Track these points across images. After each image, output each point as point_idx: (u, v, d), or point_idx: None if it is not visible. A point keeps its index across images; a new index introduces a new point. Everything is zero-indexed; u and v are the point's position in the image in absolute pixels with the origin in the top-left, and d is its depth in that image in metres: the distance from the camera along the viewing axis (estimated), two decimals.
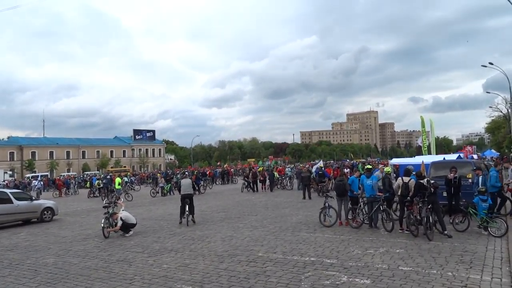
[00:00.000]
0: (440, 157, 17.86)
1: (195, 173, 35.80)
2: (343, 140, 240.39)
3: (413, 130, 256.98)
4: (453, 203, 11.81)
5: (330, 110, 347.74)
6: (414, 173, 11.15)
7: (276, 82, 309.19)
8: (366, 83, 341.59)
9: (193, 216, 14.26)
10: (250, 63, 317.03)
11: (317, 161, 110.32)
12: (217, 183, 39.77)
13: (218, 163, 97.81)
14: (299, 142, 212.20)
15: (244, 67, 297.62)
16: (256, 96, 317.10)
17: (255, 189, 26.75)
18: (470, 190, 11.82)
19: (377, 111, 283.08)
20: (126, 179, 36.80)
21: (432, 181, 10.22)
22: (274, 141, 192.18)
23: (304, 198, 20.37)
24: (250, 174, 27.94)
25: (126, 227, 12.14)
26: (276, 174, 29.43)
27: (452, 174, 11.79)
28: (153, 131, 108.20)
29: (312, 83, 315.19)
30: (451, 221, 10.84)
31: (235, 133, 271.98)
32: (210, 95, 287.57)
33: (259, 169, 32.84)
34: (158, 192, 27.98)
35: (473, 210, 10.34)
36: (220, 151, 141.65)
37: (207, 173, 39.51)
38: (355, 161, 68.83)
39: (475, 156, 26.39)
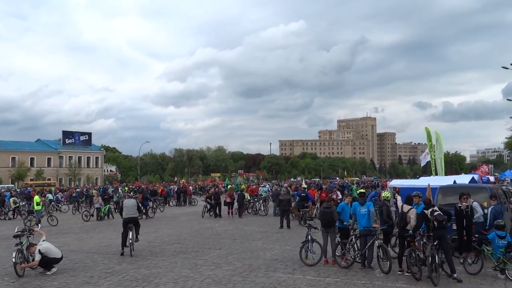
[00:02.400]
0: (449, 179, 18.38)
1: (142, 191, 35.29)
2: (333, 153, 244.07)
3: (419, 143, 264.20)
4: (465, 238, 12.15)
5: (317, 115, 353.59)
6: (421, 201, 11.44)
7: (252, 76, 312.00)
8: (363, 82, 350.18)
9: (136, 236, 14.49)
10: (220, 52, 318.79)
11: (298, 179, 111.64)
12: (170, 204, 39.38)
13: (175, 179, 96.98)
14: (278, 153, 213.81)
15: (212, 56, 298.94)
16: (226, 93, 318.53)
17: (219, 213, 26.66)
18: (484, 223, 12.23)
19: (375, 118, 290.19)
20: (50, 196, 35.82)
21: (436, 212, 10.47)
22: (246, 152, 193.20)
23: (282, 227, 20.45)
24: (214, 193, 27.81)
25: (48, 262, 11.77)
26: (246, 194, 29.45)
27: (464, 203, 12.14)
28: (89, 134, 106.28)
29: (297, 80, 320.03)
30: (461, 261, 11.15)
31: (196, 139, 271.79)
32: (167, 90, 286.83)
33: (228, 187, 32.73)
34: (92, 215, 27.37)
35: (488, 248, 10.69)
36: (176, 162, 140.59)
37: (158, 191, 39.16)
38: (346, 181, 69.86)
39: (491, 178, 27.28)
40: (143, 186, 52.22)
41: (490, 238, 10.67)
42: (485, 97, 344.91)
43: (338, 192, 25.89)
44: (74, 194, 39.91)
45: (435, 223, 10.33)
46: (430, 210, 10.65)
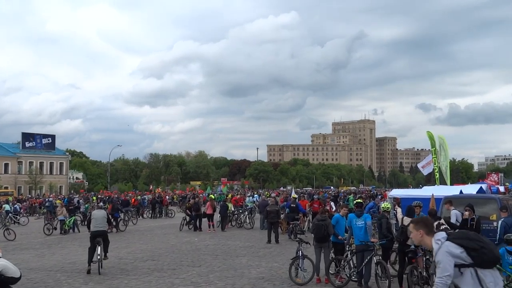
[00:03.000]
0: (455, 189, 18.60)
1: (112, 201, 35.01)
2: (327, 159, 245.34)
3: (422, 149, 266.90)
4: None
5: (310, 117, 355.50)
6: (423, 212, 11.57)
7: (237, 74, 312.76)
8: (360, 81, 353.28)
9: (105, 253, 14.44)
10: (201, 45, 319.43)
11: (288, 188, 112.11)
12: (144, 216, 39.22)
13: (150, 188, 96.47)
14: (266, 159, 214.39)
15: (193, 50, 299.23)
16: (208, 92, 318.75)
17: (200, 226, 26.60)
18: (493, 237, 12.37)
19: (374, 121, 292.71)
20: (7, 206, 35.37)
21: (443, 226, 10.61)
22: (230, 158, 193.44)
23: (269, 241, 20.47)
24: (194, 204, 27.74)
25: (4, 282, 11.60)
26: (230, 205, 29.44)
27: (467, 213, 12.34)
28: (53, 137, 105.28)
29: (288, 78, 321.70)
30: None
31: (175, 143, 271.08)
32: (142, 88, 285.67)
33: (210, 197, 32.67)
34: (55, 228, 27.11)
35: (497, 266, 10.81)
36: (151, 169, 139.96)
37: (131, 201, 39.00)
38: (342, 190, 70.28)
39: (501, 188, 27.65)
40: (113, 196, 52.02)
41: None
42: (495, 98, 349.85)
43: (332, 203, 26.02)
44: (47, 204, 39.41)
45: None
46: (436, 223, 10.75)
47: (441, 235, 4.69)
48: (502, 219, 12.12)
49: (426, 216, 11.62)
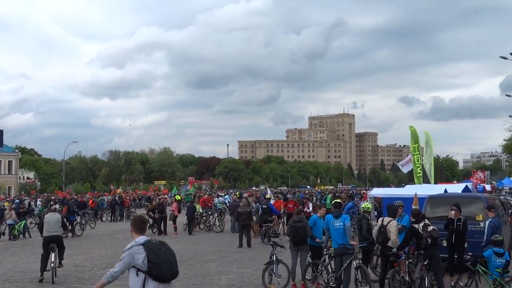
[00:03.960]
0: (439, 188, 18.92)
1: (67, 203, 34.50)
2: (303, 156, 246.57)
3: (404, 145, 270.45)
4: (456, 257, 12.53)
5: (285, 111, 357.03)
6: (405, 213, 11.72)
7: (206, 63, 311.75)
8: (339, 72, 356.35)
9: (60, 261, 14.29)
10: (167, 32, 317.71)
11: (262, 187, 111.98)
12: (103, 219, 38.85)
13: (111, 188, 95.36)
14: (237, 157, 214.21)
15: (157, 37, 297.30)
16: (174, 83, 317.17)
17: (164, 230, 26.47)
18: (480, 239, 12.64)
19: (353, 115, 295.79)
20: None
21: (430, 227, 10.75)
22: (198, 155, 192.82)
23: (241, 245, 20.50)
24: (158, 205, 27.59)
25: None
26: (198, 207, 29.34)
27: (453, 213, 12.54)
28: (0, 132, 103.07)
29: (261, 69, 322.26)
30: (452, 283, 11.47)
31: (137, 139, 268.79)
32: (101, 78, 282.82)
33: (176, 198, 32.50)
34: (3, 234, 26.62)
35: (483, 268, 11.03)
36: (111, 167, 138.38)
37: (88, 202, 38.55)
38: (318, 190, 70.79)
39: (487, 187, 28.33)
40: (68, 197, 51.26)
41: (486, 256, 11.00)
42: (481, 92, 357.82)
43: (310, 204, 26.12)
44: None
45: (429, 240, 10.59)
46: (422, 224, 10.90)
47: (143, 239, 5.82)
48: (489, 220, 12.35)
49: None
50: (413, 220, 11.51)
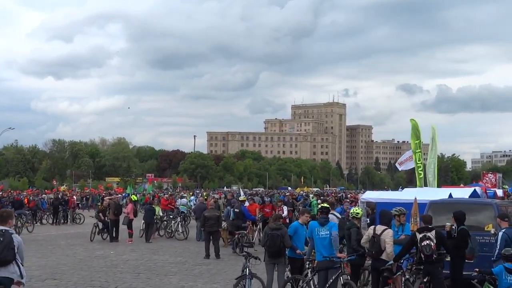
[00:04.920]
0: (443, 192, 19.03)
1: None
2: (284, 152, 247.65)
3: (403, 141, 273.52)
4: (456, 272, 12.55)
5: (264, 97, 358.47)
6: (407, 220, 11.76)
7: (171, 39, 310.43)
8: (330, 54, 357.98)
9: None
10: (125, 0, 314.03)
11: (234, 188, 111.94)
12: (43, 221, 38.60)
13: (54, 184, 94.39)
14: (205, 151, 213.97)
15: (113, 6, 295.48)
16: (132, 61, 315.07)
17: (117, 236, 26.35)
18: (489, 252, 12.71)
19: (344, 105, 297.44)
20: None
21: (426, 242, 10.78)
22: (159, 148, 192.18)
23: (208, 256, 20.46)
24: (110, 207, 27.38)
25: None
26: (157, 209, 29.22)
27: (448, 224, 12.53)
28: None
29: (237, 47, 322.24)
30: None
31: (86, 128, 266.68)
32: (44, 54, 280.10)
33: (132, 198, 32.29)
34: None
35: (491, 287, 11.16)
36: (54, 160, 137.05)
37: (25, 201, 38.17)
38: (301, 193, 71.03)
39: (499, 192, 28.46)
40: (1, 194, 50.57)
41: (495, 273, 11.09)
42: (495, 80, 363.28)
43: (285, 208, 26.02)
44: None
45: (422, 255, 10.69)
46: (421, 235, 10.97)
47: None
48: (503, 230, 12.39)
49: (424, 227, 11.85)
50: (420, 228, 11.53)
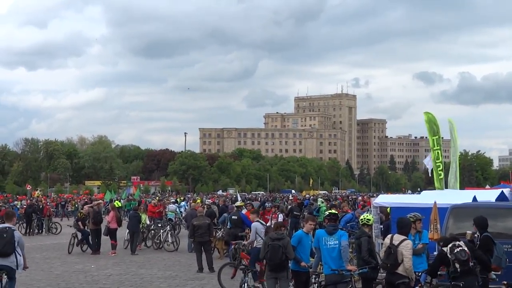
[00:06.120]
0: (467, 195, 19.06)
1: None
2: (287, 150, 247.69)
3: (422, 137, 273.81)
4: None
5: (264, 88, 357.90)
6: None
7: (158, 23, 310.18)
8: (338, 39, 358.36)
9: None
10: None
11: (231, 191, 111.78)
12: None
13: (29, 189, 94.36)
14: (197, 150, 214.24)
15: None
16: (114, 49, 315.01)
17: (98, 247, 26.38)
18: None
19: (355, 96, 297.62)
20: None
21: (458, 248, 10.74)
22: (146, 147, 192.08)
23: (201, 270, 20.46)
24: (90, 215, 27.40)
25: None
26: (144, 217, 29.22)
27: (469, 232, 12.51)
28: None
29: (232, 32, 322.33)
30: None
31: (63, 125, 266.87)
32: (15, 41, 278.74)
33: (115, 204, 32.32)
34: None
35: None
36: (26, 162, 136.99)
37: None
38: (307, 196, 71.02)
39: None
40: None
41: None
42: None
43: (281, 215, 26.08)
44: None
45: (457, 265, 10.62)
46: (451, 245, 10.94)
47: None
48: None
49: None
50: (444, 241, 11.45)
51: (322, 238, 11.91)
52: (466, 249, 10.71)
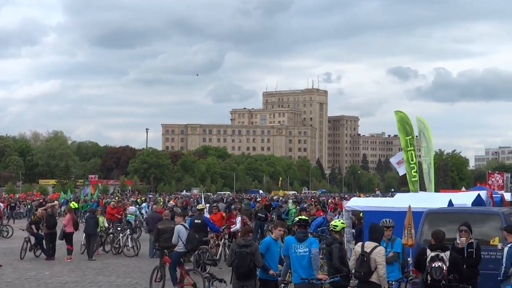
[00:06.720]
0: (443, 199, 19.26)
1: None
2: (255, 148, 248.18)
3: (396, 135, 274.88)
4: None
5: (230, 82, 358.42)
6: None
7: (118, 11, 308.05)
8: (309, 31, 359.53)
9: None
10: None
11: (195, 191, 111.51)
12: None
13: None
14: (160, 147, 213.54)
15: None
16: (71, 38, 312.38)
17: (53, 252, 26.20)
18: (496, 271, 12.95)
19: (326, 92, 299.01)
20: None
21: (438, 263, 10.88)
22: (104, 143, 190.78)
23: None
24: (45, 217, 27.21)
25: None
26: (102, 219, 29.07)
27: (463, 239, 12.78)
28: None
29: (198, 22, 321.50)
30: None
31: (14, 119, 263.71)
32: None
33: (71, 205, 32.12)
34: None
35: None
36: None
37: None
38: (277, 198, 71.15)
39: (507, 195, 28.81)
40: None
41: None
42: (502, 63, 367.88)
43: (238, 219, 25.91)
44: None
45: (429, 277, 10.81)
46: (433, 254, 11.08)
47: None
48: (508, 245, 12.64)
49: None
50: (435, 245, 11.61)
51: (292, 245, 11.92)
52: (444, 267, 10.89)
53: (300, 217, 13.32)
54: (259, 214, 30.50)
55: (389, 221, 13.07)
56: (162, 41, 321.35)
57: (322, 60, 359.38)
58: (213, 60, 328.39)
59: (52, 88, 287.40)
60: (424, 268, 11.12)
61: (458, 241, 12.67)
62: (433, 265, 10.90)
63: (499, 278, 12.32)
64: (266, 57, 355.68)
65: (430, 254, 11.14)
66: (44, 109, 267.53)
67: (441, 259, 10.97)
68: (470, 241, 12.80)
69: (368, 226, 12.62)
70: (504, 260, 12.38)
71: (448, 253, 11.17)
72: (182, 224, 17.97)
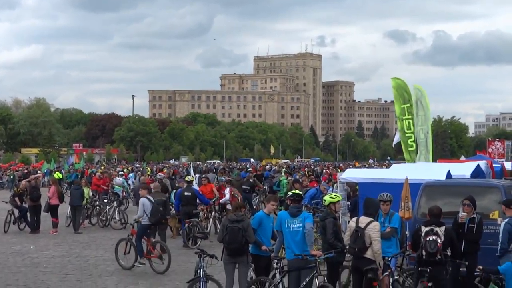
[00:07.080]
0: (441, 169, 19.25)
1: None
2: (245, 115, 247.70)
3: (393, 101, 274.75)
4: (465, 270, 12.78)
5: (220, 47, 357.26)
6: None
7: None
8: None
9: None
10: None
11: (184, 161, 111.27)
12: None
13: None
14: (147, 114, 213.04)
15: None
16: (54, 1, 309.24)
17: (38, 225, 26.24)
18: (495, 245, 13.01)
19: (320, 56, 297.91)
20: None
21: (432, 237, 10.95)
22: (89, 111, 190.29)
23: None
24: (29, 188, 27.17)
25: None
26: (87, 190, 29.04)
27: (464, 214, 12.79)
28: None
29: None
30: None
31: None
32: None
33: (55, 176, 32.02)
34: None
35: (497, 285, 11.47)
36: None
37: None
38: (269, 167, 71.06)
39: (507, 164, 28.79)
40: None
41: (502, 271, 11.39)
42: (504, 25, 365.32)
43: (227, 191, 25.74)
44: None
45: (424, 253, 10.90)
46: (428, 229, 11.15)
47: None
48: (506, 220, 12.69)
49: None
50: (426, 221, 11.67)
51: (285, 221, 11.94)
52: (439, 241, 10.95)
53: (293, 191, 13.19)
54: (243, 186, 29.19)
55: (387, 195, 12.93)
56: (147, 3, 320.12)
57: (316, 22, 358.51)
58: (202, 24, 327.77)
59: (33, 54, 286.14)
60: (420, 245, 11.18)
61: (460, 215, 12.70)
62: (428, 238, 10.97)
63: (496, 254, 12.37)
64: (257, 20, 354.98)
65: (424, 229, 11.21)
66: (25, 75, 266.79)
67: (436, 233, 11.04)
68: (472, 216, 12.80)
69: (363, 201, 12.65)
70: (500, 235, 12.42)
71: (443, 228, 11.24)
72: (146, 197, 18.02)
